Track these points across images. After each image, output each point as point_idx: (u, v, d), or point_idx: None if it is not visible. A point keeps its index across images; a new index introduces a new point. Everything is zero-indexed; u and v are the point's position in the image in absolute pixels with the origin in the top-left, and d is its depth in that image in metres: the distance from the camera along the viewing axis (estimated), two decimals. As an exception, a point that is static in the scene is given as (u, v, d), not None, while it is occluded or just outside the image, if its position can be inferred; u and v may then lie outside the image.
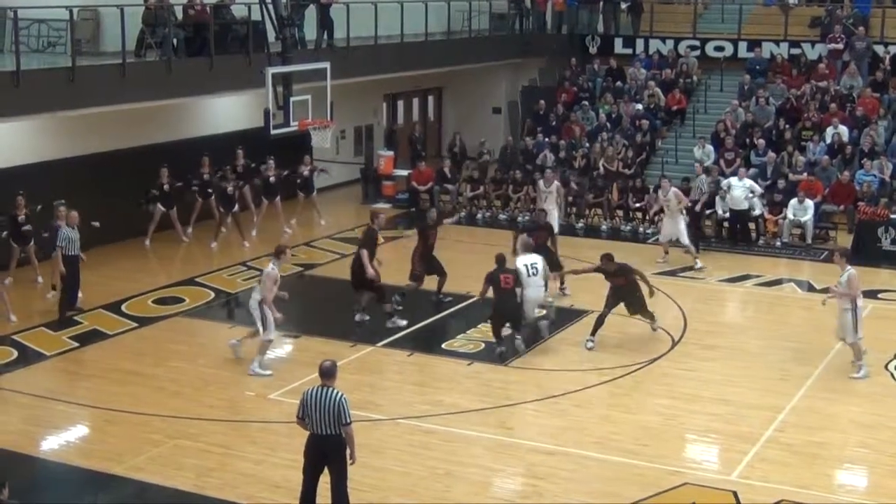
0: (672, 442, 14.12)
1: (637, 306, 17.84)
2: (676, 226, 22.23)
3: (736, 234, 24.28)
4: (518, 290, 17.25)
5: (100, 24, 22.20)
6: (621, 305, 17.76)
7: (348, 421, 11.24)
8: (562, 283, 20.20)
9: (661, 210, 23.29)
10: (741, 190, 23.95)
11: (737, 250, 23.76)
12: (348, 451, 11.37)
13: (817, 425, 14.69)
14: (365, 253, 18.25)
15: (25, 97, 18.34)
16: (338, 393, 11.26)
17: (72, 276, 18.77)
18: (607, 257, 17.92)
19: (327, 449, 11.33)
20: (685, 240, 22.19)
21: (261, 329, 16.52)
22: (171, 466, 13.26)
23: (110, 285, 20.13)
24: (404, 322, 18.53)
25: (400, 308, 18.81)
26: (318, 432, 11.25)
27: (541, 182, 23.70)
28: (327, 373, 11.38)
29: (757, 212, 24.41)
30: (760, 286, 21.25)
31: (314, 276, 22.04)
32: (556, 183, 23.51)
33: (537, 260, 17.71)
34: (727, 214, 24.35)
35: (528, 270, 17.41)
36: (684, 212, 22.52)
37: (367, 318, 18.75)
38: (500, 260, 17.45)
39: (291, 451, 13.56)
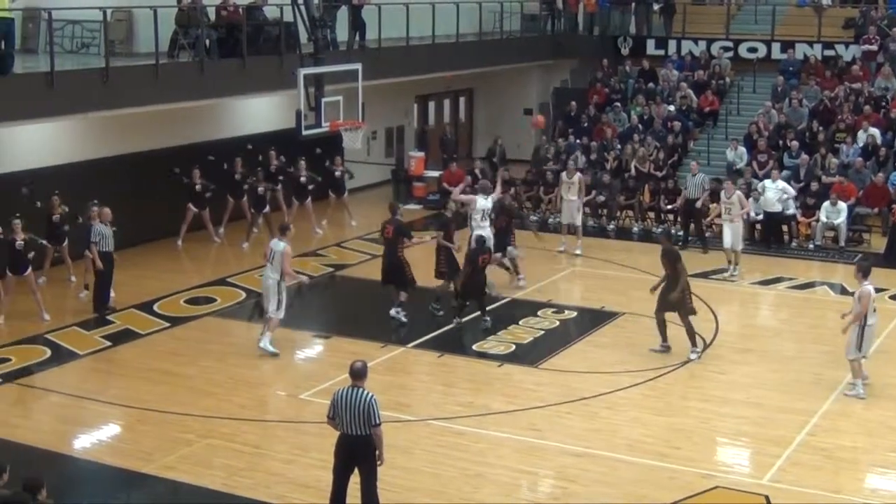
0: (703, 445, 14.05)
1: (669, 304, 17.38)
2: (737, 231, 21.78)
3: (768, 237, 24.15)
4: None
5: (133, 26, 22.34)
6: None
7: (377, 422, 11.25)
8: (517, 272, 20.87)
9: (719, 214, 22.56)
10: (774, 192, 23.83)
11: (769, 253, 23.62)
12: (377, 452, 11.37)
13: (850, 429, 14.58)
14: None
15: (59, 98, 18.46)
16: (368, 394, 11.27)
17: (105, 274, 18.93)
18: (665, 234, 18.17)
19: (357, 449, 11.33)
20: (739, 246, 21.90)
21: (273, 308, 16.86)
22: (202, 466, 13.32)
23: (143, 285, 20.24)
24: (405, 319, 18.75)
25: (441, 313, 18.93)
26: (348, 432, 11.27)
27: (563, 174, 23.85)
28: (358, 373, 11.39)
29: (790, 212, 24.26)
30: (793, 289, 21.12)
31: (345, 276, 22.08)
32: (578, 175, 23.60)
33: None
34: (760, 216, 24.21)
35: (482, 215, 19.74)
36: (745, 217, 22.31)
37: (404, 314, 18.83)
38: (480, 241, 18.71)
39: (322, 452, 13.59)
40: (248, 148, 24.47)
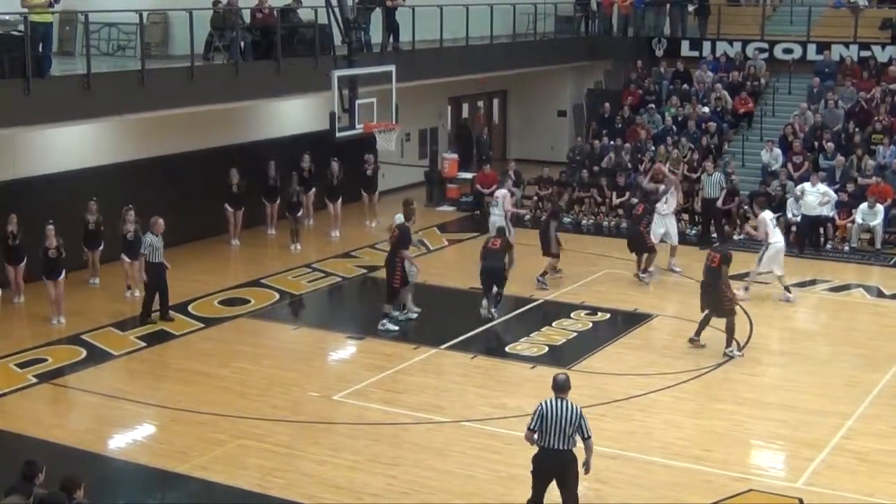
0: (737, 448, 13.99)
1: (711, 304, 17.45)
2: (768, 252, 20.48)
3: (803, 239, 23.98)
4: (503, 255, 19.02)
5: (169, 28, 22.49)
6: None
7: (589, 435, 11.17)
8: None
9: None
10: (815, 196, 23.68)
11: (805, 255, 23.47)
12: (580, 464, 11.26)
13: (886, 433, 14.46)
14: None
15: (96, 100, 18.59)
16: (577, 406, 11.18)
17: (157, 283, 18.91)
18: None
19: (561, 464, 11.16)
20: (757, 266, 20.75)
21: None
22: (235, 466, 13.38)
23: (177, 287, 20.30)
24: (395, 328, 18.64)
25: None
26: (552, 446, 11.07)
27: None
28: (563, 386, 11.25)
29: (826, 214, 24.10)
30: (829, 291, 20.98)
31: (378, 278, 22.09)
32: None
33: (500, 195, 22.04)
34: (797, 219, 24.06)
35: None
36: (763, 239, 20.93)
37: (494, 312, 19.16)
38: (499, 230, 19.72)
39: (354, 453, 13.68)
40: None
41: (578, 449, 11.24)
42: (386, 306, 18.60)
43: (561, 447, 11.06)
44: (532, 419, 11.13)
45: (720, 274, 17.25)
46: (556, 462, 11.13)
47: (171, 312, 19.03)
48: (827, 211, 24.01)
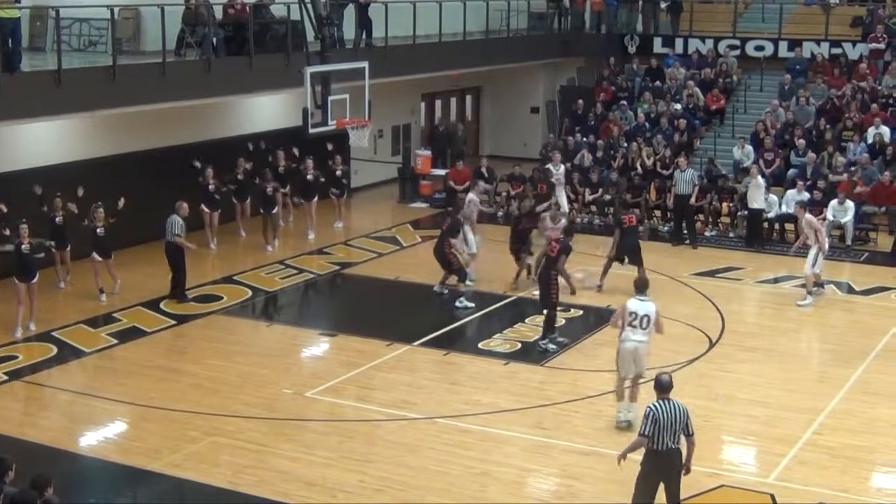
0: (709, 444, 14.00)
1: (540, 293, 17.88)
2: (809, 257, 20.07)
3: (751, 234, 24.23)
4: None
5: (140, 24, 22.35)
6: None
7: (692, 432, 11.22)
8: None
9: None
10: (759, 190, 23.85)
11: (775, 251, 23.58)
12: (687, 462, 11.32)
13: (856, 428, 14.56)
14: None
15: (67, 96, 18.46)
16: (681, 403, 11.24)
17: (181, 262, 19.72)
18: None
19: (672, 463, 11.19)
20: (808, 270, 20.07)
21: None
22: (207, 463, 13.34)
23: (149, 283, 20.27)
24: (472, 304, 19.52)
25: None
26: (665, 447, 11.07)
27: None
28: (669, 386, 11.32)
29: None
30: (799, 287, 21.09)
31: (352, 274, 22.09)
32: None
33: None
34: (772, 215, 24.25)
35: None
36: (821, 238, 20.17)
37: (446, 291, 19.95)
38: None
39: (327, 450, 13.67)
40: (249, 148, 24.41)
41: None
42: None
43: (672, 446, 11.13)
44: (645, 426, 11.09)
45: (556, 263, 17.47)
46: (667, 461, 11.18)
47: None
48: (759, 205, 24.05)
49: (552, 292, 17.35)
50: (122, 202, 19.99)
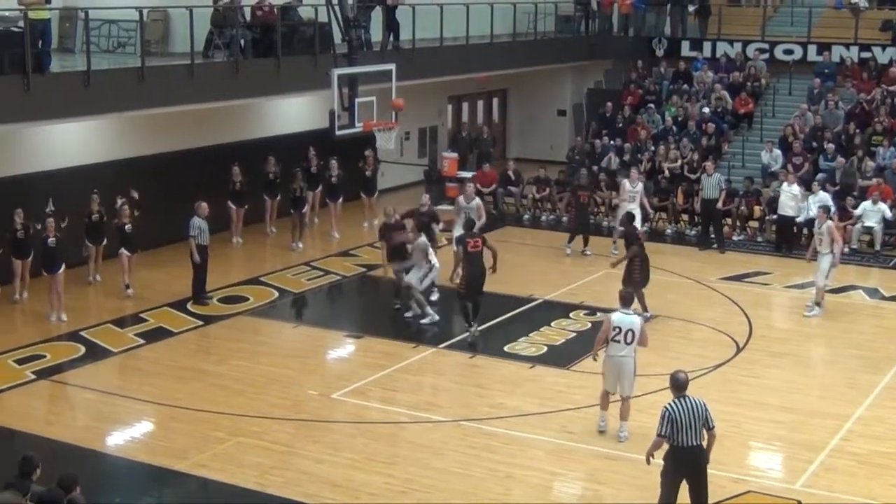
0: (736, 449, 13.95)
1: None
2: (819, 264, 19.54)
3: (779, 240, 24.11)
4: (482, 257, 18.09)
5: (169, 25, 22.45)
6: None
7: (714, 425, 11.21)
8: None
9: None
10: (788, 195, 23.64)
11: (803, 256, 23.41)
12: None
13: (885, 435, 14.46)
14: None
15: (95, 97, 18.58)
16: (700, 399, 11.25)
17: (201, 265, 19.64)
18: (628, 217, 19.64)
19: (695, 460, 11.20)
20: (820, 281, 19.62)
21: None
22: (233, 464, 13.37)
23: (176, 284, 20.33)
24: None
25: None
26: (688, 444, 11.09)
27: (626, 181, 23.60)
28: (685, 384, 11.32)
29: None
30: (828, 293, 20.92)
31: (377, 276, 22.07)
32: (641, 184, 23.54)
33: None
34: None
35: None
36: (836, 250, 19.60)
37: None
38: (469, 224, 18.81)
39: (352, 451, 13.68)
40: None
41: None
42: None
43: (694, 443, 11.11)
44: (661, 426, 11.13)
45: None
46: (691, 458, 11.17)
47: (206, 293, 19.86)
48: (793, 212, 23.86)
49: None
50: (135, 194, 20.29)
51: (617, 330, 13.92)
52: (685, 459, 11.18)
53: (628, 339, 13.93)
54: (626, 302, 14.25)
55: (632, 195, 23.17)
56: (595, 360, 14.54)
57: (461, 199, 21.21)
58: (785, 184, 23.92)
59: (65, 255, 18.90)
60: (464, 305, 17.97)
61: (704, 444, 11.27)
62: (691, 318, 19.12)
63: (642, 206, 23.27)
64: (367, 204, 25.91)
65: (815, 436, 14.35)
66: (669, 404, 11.18)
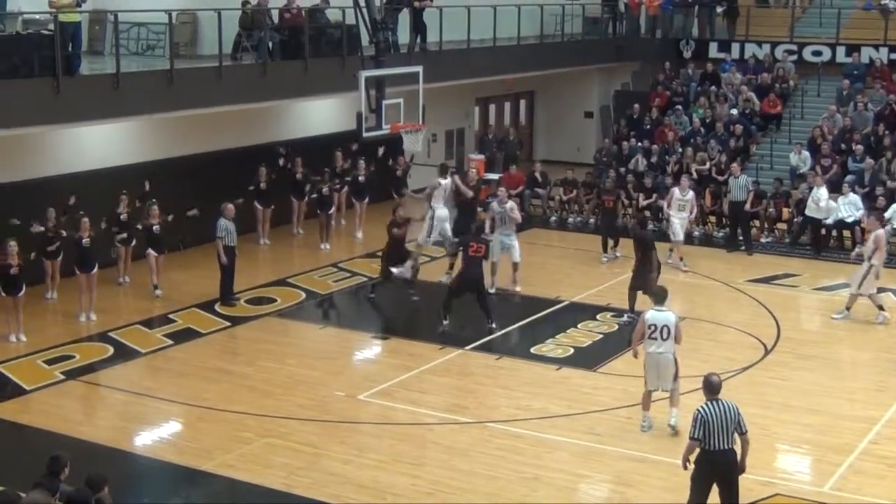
0: (764, 452, 13.86)
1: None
2: (862, 272, 19.27)
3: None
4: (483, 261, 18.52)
5: (197, 28, 22.57)
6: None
7: (746, 430, 11.20)
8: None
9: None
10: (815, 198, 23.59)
11: (832, 258, 23.32)
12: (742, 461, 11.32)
13: (914, 438, 14.38)
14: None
15: (124, 99, 18.70)
16: (733, 403, 11.24)
17: (229, 267, 19.76)
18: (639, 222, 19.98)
19: (727, 464, 11.19)
20: (856, 287, 19.44)
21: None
22: (260, 464, 13.42)
23: (204, 285, 20.41)
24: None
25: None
26: (719, 447, 11.08)
27: (676, 189, 23.21)
28: (718, 387, 11.32)
29: (852, 219, 23.86)
30: (857, 295, 20.80)
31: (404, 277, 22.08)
32: (691, 192, 23.14)
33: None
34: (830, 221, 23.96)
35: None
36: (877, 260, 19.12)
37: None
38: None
39: (379, 452, 13.70)
40: (282, 153, 24.50)
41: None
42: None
43: (726, 447, 11.08)
44: (694, 429, 11.10)
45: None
46: (723, 462, 11.14)
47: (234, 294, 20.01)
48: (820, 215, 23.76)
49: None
50: (149, 190, 20.45)
51: (652, 328, 13.98)
52: (717, 463, 11.14)
53: (664, 335, 13.98)
54: (659, 299, 14.27)
55: (681, 203, 22.81)
56: (636, 356, 14.50)
57: (494, 203, 21.13)
58: (814, 188, 23.80)
59: (98, 255, 19.05)
60: (449, 299, 18.33)
61: (736, 448, 11.22)
62: (719, 320, 19.05)
63: (691, 210, 22.96)
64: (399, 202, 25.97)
65: (844, 438, 14.27)
66: (702, 407, 11.15)
